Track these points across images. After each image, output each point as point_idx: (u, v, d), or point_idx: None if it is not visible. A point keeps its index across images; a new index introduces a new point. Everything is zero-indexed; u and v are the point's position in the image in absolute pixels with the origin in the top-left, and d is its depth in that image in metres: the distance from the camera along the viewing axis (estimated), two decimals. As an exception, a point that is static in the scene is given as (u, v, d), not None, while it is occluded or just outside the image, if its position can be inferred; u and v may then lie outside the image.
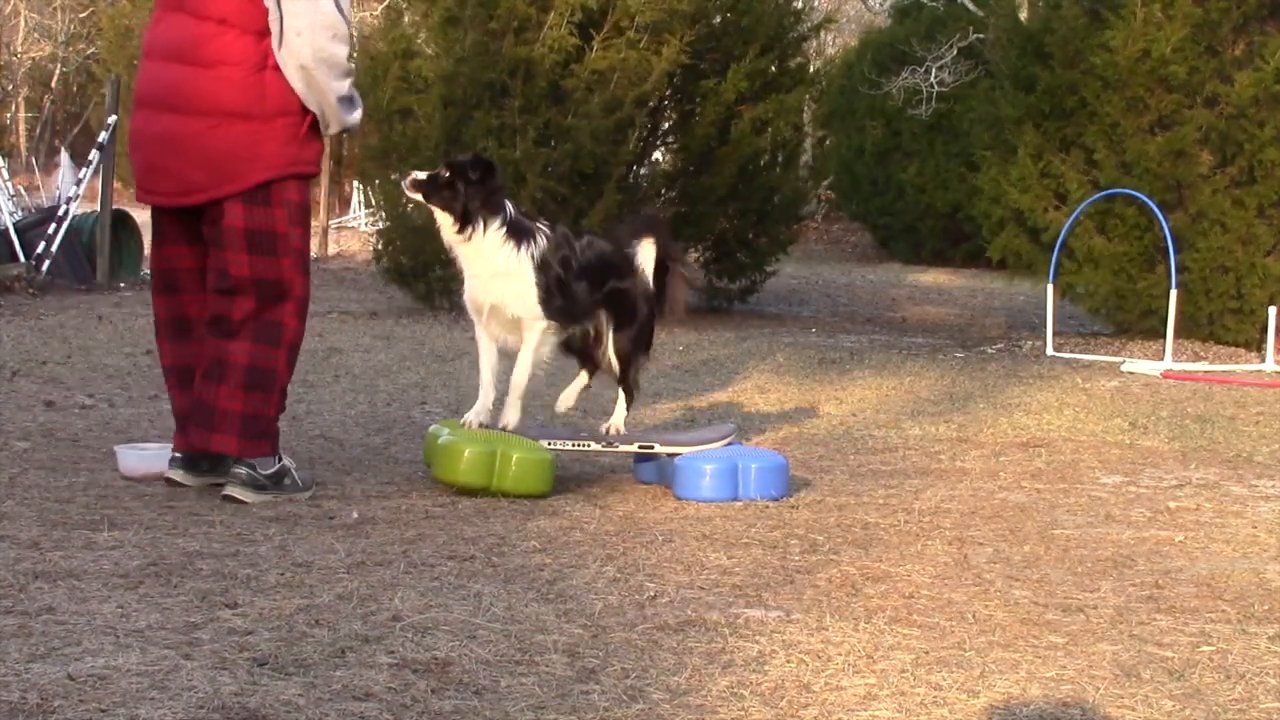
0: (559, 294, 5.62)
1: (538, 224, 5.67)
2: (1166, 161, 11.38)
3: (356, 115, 5.35)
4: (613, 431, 5.87)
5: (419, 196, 5.63)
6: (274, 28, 5.07)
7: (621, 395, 5.95)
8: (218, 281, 5.20)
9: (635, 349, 5.89)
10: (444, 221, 5.59)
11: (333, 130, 5.30)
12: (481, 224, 5.52)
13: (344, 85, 5.18)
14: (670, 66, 12.40)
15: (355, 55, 5.18)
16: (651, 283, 5.92)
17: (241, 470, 5.17)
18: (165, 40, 5.26)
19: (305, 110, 5.19)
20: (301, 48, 5.05)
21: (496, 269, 5.55)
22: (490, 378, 5.70)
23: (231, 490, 5.16)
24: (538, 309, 5.59)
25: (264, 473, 5.19)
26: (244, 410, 5.16)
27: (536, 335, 5.63)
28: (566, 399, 6.04)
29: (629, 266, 5.86)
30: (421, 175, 5.63)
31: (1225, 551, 4.97)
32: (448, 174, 5.55)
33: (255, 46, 5.10)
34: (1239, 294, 11.42)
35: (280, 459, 5.27)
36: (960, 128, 18.77)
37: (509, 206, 5.60)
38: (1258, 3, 11.42)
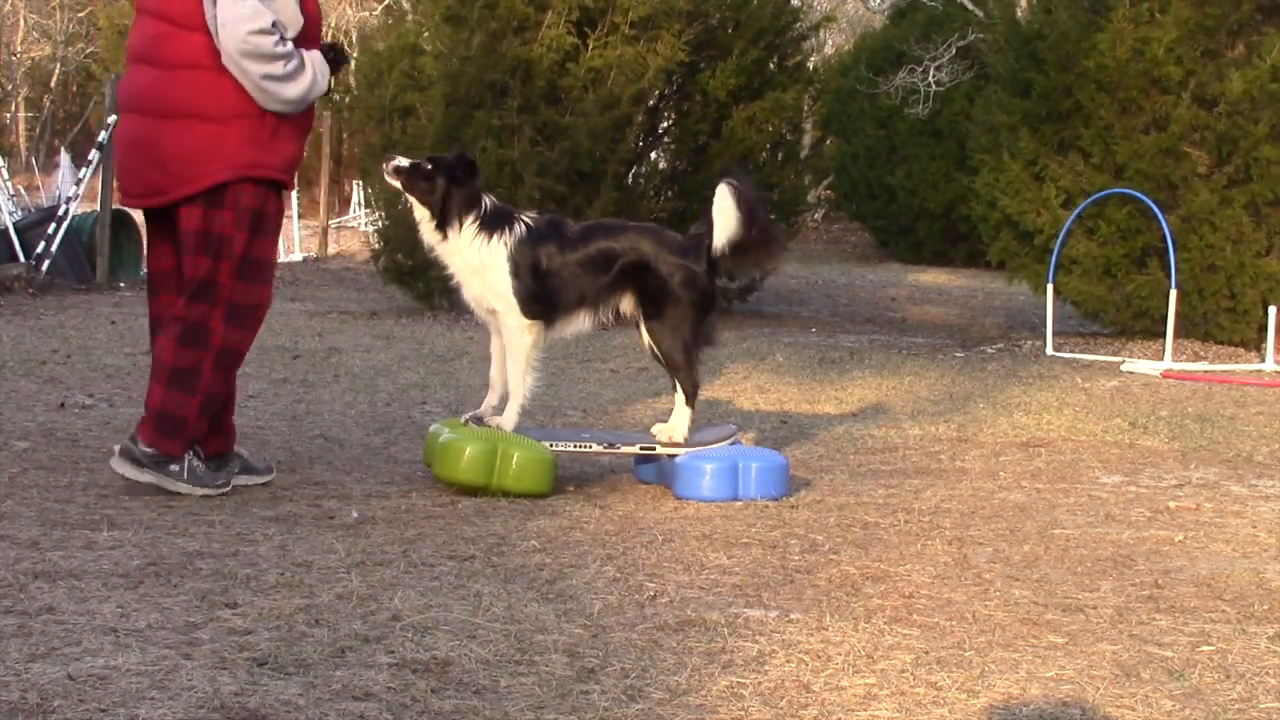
0: (538, 283, 5.50)
1: (521, 214, 5.60)
2: (1159, 160, 11.37)
3: (295, 90, 5.16)
4: (666, 439, 5.63)
5: (398, 184, 5.59)
6: (210, 25, 5.09)
7: (679, 397, 5.68)
8: (184, 284, 5.26)
9: (676, 338, 5.59)
10: (422, 217, 5.57)
11: (274, 106, 5.15)
12: (457, 222, 5.49)
13: (276, 67, 5.10)
14: (666, 63, 12.39)
15: (285, 36, 5.15)
16: (704, 263, 5.55)
17: (132, 445, 5.18)
18: (134, 43, 5.34)
19: (264, 112, 5.16)
20: (227, 40, 5.06)
21: (471, 264, 5.53)
22: (497, 375, 5.68)
23: (111, 462, 5.21)
24: (512, 301, 5.50)
25: (145, 449, 5.16)
26: (161, 406, 5.16)
27: (513, 331, 5.53)
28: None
29: (653, 250, 5.57)
30: (404, 163, 5.57)
31: (1225, 551, 4.97)
32: (430, 167, 5.51)
33: (208, 46, 5.11)
34: (1231, 294, 11.42)
35: (190, 453, 5.24)
36: (947, 129, 18.81)
37: (486, 200, 5.54)
38: (1253, 7, 11.41)
